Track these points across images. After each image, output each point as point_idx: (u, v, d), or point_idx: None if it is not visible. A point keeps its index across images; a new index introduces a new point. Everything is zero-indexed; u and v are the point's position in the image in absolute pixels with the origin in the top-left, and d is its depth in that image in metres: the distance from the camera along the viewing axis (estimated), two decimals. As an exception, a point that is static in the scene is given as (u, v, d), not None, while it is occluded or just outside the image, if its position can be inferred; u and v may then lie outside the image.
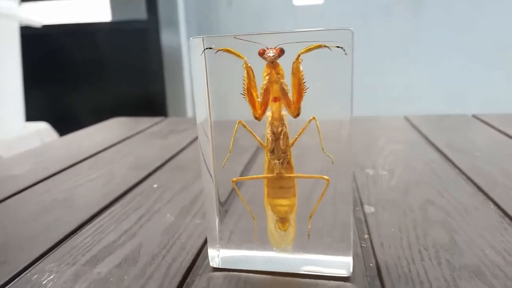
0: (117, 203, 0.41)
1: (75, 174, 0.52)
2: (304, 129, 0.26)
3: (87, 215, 0.38)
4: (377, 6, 1.56)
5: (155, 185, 0.46)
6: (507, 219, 0.34)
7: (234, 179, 0.28)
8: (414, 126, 0.71)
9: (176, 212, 0.38)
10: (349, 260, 0.27)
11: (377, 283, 0.26)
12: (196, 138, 0.68)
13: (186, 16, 1.73)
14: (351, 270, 0.27)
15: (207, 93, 0.28)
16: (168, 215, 0.38)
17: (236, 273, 0.28)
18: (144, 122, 0.85)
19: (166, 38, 1.68)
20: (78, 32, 1.73)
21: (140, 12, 1.69)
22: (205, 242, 0.32)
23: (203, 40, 0.27)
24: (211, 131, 0.29)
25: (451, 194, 0.40)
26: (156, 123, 0.83)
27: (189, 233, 0.34)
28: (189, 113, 1.73)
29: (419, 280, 0.26)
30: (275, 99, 0.26)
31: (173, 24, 1.72)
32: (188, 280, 0.28)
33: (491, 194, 0.39)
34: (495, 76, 1.51)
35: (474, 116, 0.77)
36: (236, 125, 0.27)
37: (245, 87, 0.26)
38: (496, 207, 0.37)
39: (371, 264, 0.28)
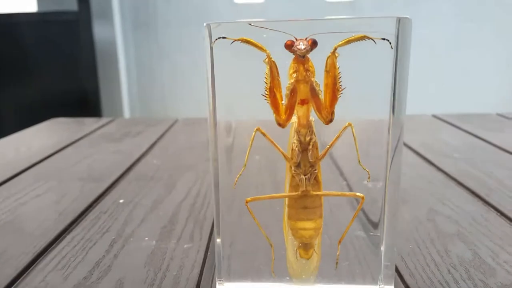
0: (78, 225, 0.34)
1: (17, 189, 0.43)
2: (337, 138, 0.22)
3: (42, 244, 0.31)
4: (319, 6, 1.56)
5: (121, 201, 0.39)
6: (517, 227, 0.32)
7: (249, 199, 0.23)
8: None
9: (155, 234, 0.32)
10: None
11: (418, 315, 0.23)
12: (157, 142, 0.61)
13: (120, 7, 1.62)
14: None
15: (211, 91, 0.22)
16: (146, 238, 0.31)
17: (251, 313, 0.23)
18: (89, 123, 0.76)
19: (99, 31, 1.56)
20: (0, 23, 1.55)
21: (70, 3, 1.55)
22: (201, 273, 0.27)
23: (208, 28, 0.21)
24: (215, 134, 0.23)
25: (451, 201, 0.38)
26: (104, 125, 0.74)
27: (179, 262, 0.28)
28: (126, 113, 1.62)
29: (464, 308, 0.23)
30: (303, 102, 0.21)
31: (107, 16, 1.60)
32: (192, 327, 0.22)
33: (490, 200, 0.38)
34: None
35: (435, 116, 0.77)
36: (254, 133, 0.22)
37: (267, 87, 0.21)
38: (499, 214, 0.35)
39: (402, 291, 0.25)
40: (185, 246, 0.30)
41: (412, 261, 0.28)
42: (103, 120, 0.78)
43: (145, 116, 1.65)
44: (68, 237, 0.32)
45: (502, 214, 0.35)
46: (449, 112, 0.81)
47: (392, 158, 0.22)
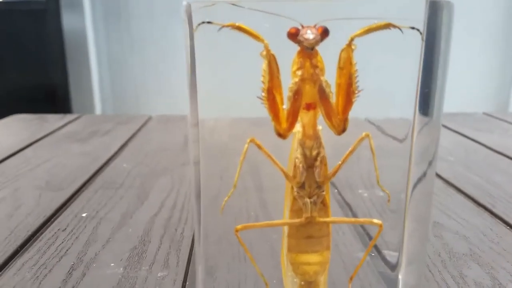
0: (31, 247, 0.29)
1: (-40, 200, 0.37)
2: (352, 152, 0.17)
3: (-17, 273, 0.26)
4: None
5: (83, 214, 0.34)
6: (532, 244, 0.29)
7: (239, 227, 0.18)
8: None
9: (123, 259, 0.27)
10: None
11: None
12: (128, 142, 0.56)
13: (91, -4, 1.54)
14: None
15: (192, 86, 0.18)
16: (112, 264, 0.26)
17: None
18: (53, 120, 0.69)
19: (68, 21, 1.47)
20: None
21: (37, -9, 1.46)
22: (178, 311, 0.22)
23: (188, 10, 0.16)
24: (197, 135, 0.19)
25: (456, 212, 0.34)
26: (70, 122, 0.68)
27: (151, 296, 0.23)
28: (97, 109, 1.55)
29: None
30: (309, 106, 0.17)
31: (76, 5, 1.52)
32: None
33: (496, 211, 0.34)
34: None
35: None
36: (246, 145, 0.17)
37: (265, 87, 0.16)
38: (509, 227, 0.32)
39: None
40: (159, 274, 0.25)
41: (425, 290, 0.24)
42: (69, 117, 0.71)
43: (118, 112, 1.57)
44: (18, 263, 0.27)
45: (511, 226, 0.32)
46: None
47: (425, 172, 0.18)
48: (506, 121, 0.69)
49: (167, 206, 0.35)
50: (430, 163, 0.18)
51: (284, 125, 0.17)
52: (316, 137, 0.17)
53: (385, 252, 0.20)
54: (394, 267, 0.20)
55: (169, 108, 0.99)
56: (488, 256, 0.28)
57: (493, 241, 0.30)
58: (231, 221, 0.21)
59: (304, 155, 0.17)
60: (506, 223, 0.32)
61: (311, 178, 0.17)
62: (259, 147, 0.17)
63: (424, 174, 0.18)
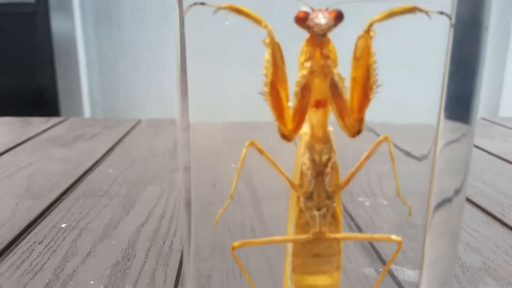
0: (3, 262, 0.26)
1: None
2: (368, 157, 0.15)
3: None
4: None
5: (63, 225, 0.31)
6: (550, 257, 0.27)
7: (236, 244, 0.16)
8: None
9: (104, 275, 0.24)
10: None
11: None
12: (115, 147, 0.53)
13: (81, -1, 1.51)
14: None
15: (182, 82, 0.15)
16: (91, 282, 0.24)
17: None
18: (37, 123, 0.66)
19: (57, 24, 1.45)
20: None
21: (26, -6, 1.43)
22: (165, 338, 0.20)
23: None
24: (187, 138, 0.16)
25: (465, 222, 0.32)
26: (54, 125, 0.65)
27: (135, 320, 0.21)
28: (86, 113, 1.51)
29: None
30: (319, 104, 0.14)
31: (66, 8, 1.49)
32: None
33: (507, 221, 0.32)
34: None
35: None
36: (245, 149, 0.15)
37: (268, 81, 0.14)
38: (523, 238, 0.30)
39: None
40: (144, 293, 0.23)
41: (441, 311, 0.22)
42: (54, 120, 0.68)
43: (107, 115, 1.53)
44: (-14, 280, 0.24)
45: (526, 238, 0.29)
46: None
47: (461, 185, 0.15)
48: (505, 126, 0.67)
49: (155, 216, 0.33)
50: (463, 181, 0.15)
51: (290, 125, 0.14)
52: (326, 140, 0.15)
53: (403, 271, 0.18)
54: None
55: (160, 112, 0.97)
56: (503, 271, 0.25)
57: (507, 253, 0.27)
58: (224, 233, 0.19)
59: (312, 160, 0.15)
60: (518, 234, 0.30)
61: (321, 187, 0.15)
62: (261, 151, 0.15)
63: (456, 191, 0.16)
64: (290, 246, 0.16)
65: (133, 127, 0.64)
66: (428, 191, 0.16)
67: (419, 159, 0.17)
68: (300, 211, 0.15)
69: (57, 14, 1.45)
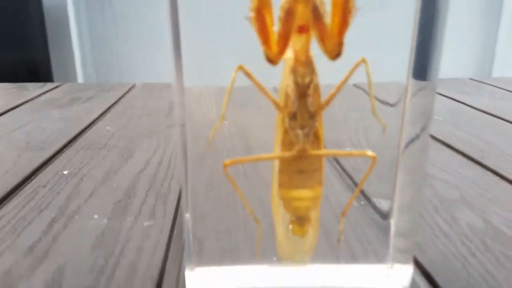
0: (10, 202, 0.27)
1: None
2: (347, 79, 0.16)
3: (-41, 226, 0.24)
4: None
5: (65, 172, 0.32)
6: (522, 192, 0.29)
7: (227, 161, 0.17)
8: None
9: (107, 210, 0.26)
10: (408, 270, 0.19)
11: (436, 299, 0.19)
12: (111, 108, 0.54)
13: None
14: (408, 285, 0.19)
15: (175, 42, 0.16)
16: (95, 216, 0.25)
17: (232, 307, 0.18)
18: (33, 88, 0.67)
19: (48, -4, 1.42)
20: None
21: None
22: (166, 257, 0.21)
23: None
24: (182, 96, 0.18)
25: (445, 165, 0.34)
26: (49, 90, 0.65)
27: (136, 243, 0.22)
28: (79, 78, 1.50)
29: (490, 286, 0.19)
30: (302, 29, 0.16)
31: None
32: (156, 330, 0.17)
33: (487, 164, 0.34)
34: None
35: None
36: (234, 72, 0.16)
37: (254, 6, 0.15)
38: (500, 178, 0.31)
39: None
40: (145, 224, 0.24)
41: (418, 233, 0.24)
42: (49, 85, 0.69)
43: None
44: (-4, 217, 0.25)
45: (503, 177, 0.31)
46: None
47: (422, 130, 0.17)
48: (492, 85, 0.69)
49: (153, 164, 0.34)
50: (425, 124, 0.17)
51: (275, 49, 0.16)
52: (308, 63, 0.16)
53: (379, 201, 0.20)
54: (386, 214, 0.19)
55: (153, 79, 0.97)
56: (479, 202, 0.27)
57: (483, 188, 0.29)
58: (218, 171, 0.20)
59: (296, 82, 0.16)
60: (496, 173, 0.32)
61: (303, 108, 0.16)
62: (248, 75, 0.16)
63: (419, 134, 0.18)
64: (276, 165, 0.18)
65: (128, 91, 0.65)
66: (399, 133, 0.18)
67: (392, 105, 0.19)
68: (285, 131, 0.17)
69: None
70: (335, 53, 0.16)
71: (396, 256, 0.19)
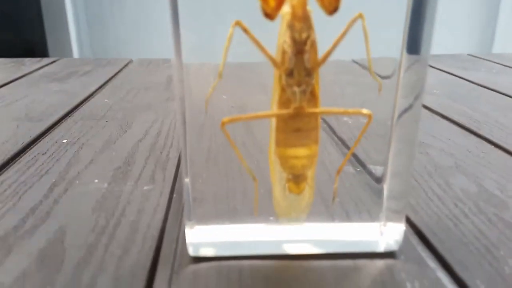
0: (10, 168, 0.28)
1: None
2: (344, 34, 0.16)
3: (-40, 190, 0.25)
4: None
5: (64, 140, 0.33)
6: (516, 159, 0.29)
7: (225, 119, 0.17)
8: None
9: (107, 176, 0.26)
10: (400, 228, 0.19)
11: (429, 254, 0.19)
12: (109, 82, 0.54)
13: None
14: (400, 240, 0.19)
15: (174, 16, 0.16)
16: (96, 181, 0.26)
17: (230, 262, 0.19)
18: (30, 63, 0.67)
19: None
20: None
21: None
22: (166, 218, 0.22)
23: None
24: (181, 69, 0.18)
25: (441, 134, 0.34)
26: (47, 64, 0.65)
27: (137, 206, 0.23)
28: (75, 55, 1.49)
29: (482, 244, 0.19)
30: (299, -16, 0.16)
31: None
32: (156, 283, 0.17)
33: (482, 133, 0.34)
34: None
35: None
36: (231, 29, 0.16)
37: (251, -40, 0.15)
38: (494, 146, 0.32)
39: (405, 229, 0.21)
40: (145, 188, 0.25)
41: (412, 196, 0.24)
42: (46, 60, 0.68)
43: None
44: (-3, 183, 0.26)
45: (498, 146, 0.32)
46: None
47: (414, 101, 0.17)
48: (490, 60, 0.69)
49: (152, 134, 0.34)
50: (417, 96, 0.18)
51: (272, 3, 0.16)
52: (306, 19, 0.16)
53: (372, 167, 0.20)
54: (379, 179, 0.20)
55: (151, 56, 0.96)
56: (473, 168, 0.28)
57: (478, 156, 0.30)
58: (217, 140, 0.20)
59: (293, 38, 0.16)
60: (491, 142, 0.33)
61: (300, 65, 0.17)
62: (245, 31, 0.16)
63: (412, 105, 0.18)
64: (273, 123, 0.18)
65: (125, 66, 0.65)
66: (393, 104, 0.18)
67: (387, 77, 0.19)
68: (282, 89, 0.17)
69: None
70: (332, 8, 0.16)
71: (389, 215, 0.19)
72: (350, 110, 0.18)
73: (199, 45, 0.18)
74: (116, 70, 0.61)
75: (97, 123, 0.37)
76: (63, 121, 0.38)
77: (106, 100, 0.45)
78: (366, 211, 0.21)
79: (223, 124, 0.17)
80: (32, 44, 1.42)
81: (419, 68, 0.18)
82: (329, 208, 0.20)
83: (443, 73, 0.60)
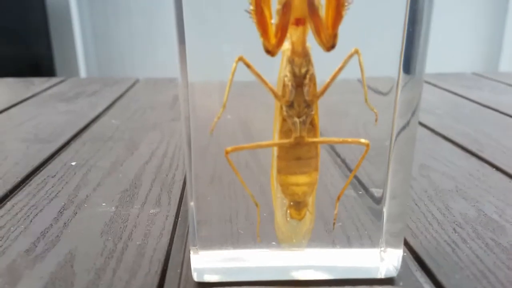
0: (21, 191, 0.29)
1: None
2: (341, 69, 0.17)
3: (-27, 213, 0.25)
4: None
5: (73, 163, 0.34)
6: (516, 182, 0.30)
7: (229, 148, 0.18)
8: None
9: (114, 199, 0.27)
10: (398, 253, 0.20)
11: (427, 279, 0.19)
12: (116, 102, 0.55)
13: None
14: (399, 266, 0.20)
15: (180, 39, 0.17)
16: (103, 204, 0.27)
17: (233, 287, 0.19)
18: (39, 82, 0.68)
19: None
20: None
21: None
22: (171, 241, 0.23)
23: None
24: (187, 90, 0.18)
25: (443, 156, 0.35)
26: (55, 84, 0.67)
27: (143, 230, 0.23)
28: (82, 74, 1.52)
29: (478, 269, 0.20)
30: (298, 22, 0.17)
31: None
32: (162, 307, 0.18)
33: (483, 156, 0.35)
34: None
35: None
36: (235, 64, 0.17)
37: (253, 0, 0.16)
38: (496, 169, 0.32)
39: (404, 254, 0.21)
40: (151, 211, 0.26)
41: (412, 220, 0.24)
42: (55, 80, 0.70)
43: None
44: (8, 205, 0.27)
45: (499, 169, 0.32)
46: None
47: (408, 121, 0.18)
48: (495, 79, 0.69)
49: (158, 156, 0.35)
50: (413, 114, 0.18)
51: (273, 40, 0.17)
52: (305, 54, 0.17)
53: (372, 189, 0.21)
54: (379, 201, 0.20)
55: (155, 74, 0.98)
56: (474, 192, 0.28)
57: (479, 179, 0.30)
58: (221, 161, 0.21)
59: (293, 73, 0.17)
60: (493, 165, 0.33)
61: (300, 97, 0.17)
62: (248, 66, 0.17)
63: (408, 123, 0.19)
64: (275, 152, 0.19)
65: (132, 85, 0.66)
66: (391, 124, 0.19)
67: (384, 94, 0.20)
68: (283, 119, 0.18)
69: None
70: (330, 44, 0.17)
71: (388, 239, 0.20)
72: (349, 139, 0.18)
73: (204, 64, 0.18)
74: (123, 90, 0.62)
75: (105, 144, 0.38)
76: (71, 142, 0.39)
77: (113, 120, 0.46)
78: (367, 236, 0.21)
79: (226, 152, 0.18)
80: (39, 58, 1.45)
81: (414, 87, 0.18)
82: (331, 233, 0.21)
83: (446, 92, 0.60)
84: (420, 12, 0.17)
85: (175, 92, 0.60)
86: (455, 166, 0.33)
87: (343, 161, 0.23)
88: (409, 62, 0.18)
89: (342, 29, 0.16)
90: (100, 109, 0.51)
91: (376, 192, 0.21)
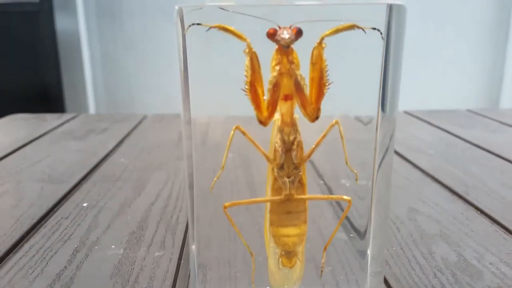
0: (37, 233, 0.31)
1: (-33, 192, 0.39)
2: (324, 137, 0.20)
3: (-6, 254, 0.28)
4: None
5: (84, 204, 0.36)
6: (498, 226, 0.32)
7: (227, 204, 0.20)
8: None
9: (122, 241, 0.30)
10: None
11: (407, 324, 0.21)
12: (124, 139, 0.58)
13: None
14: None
15: (184, 84, 0.20)
16: (113, 246, 0.29)
17: (230, 329, 0.21)
18: (51, 119, 0.71)
19: (61, 22, 1.49)
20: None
21: (30, -7, 1.47)
22: (174, 284, 0.25)
23: (180, 13, 0.19)
24: (189, 131, 0.21)
25: (430, 199, 0.37)
26: (67, 121, 0.70)
27: (149, 273, 0.26)
28: (91, 108, 1.56)
29: (454, 315, 0.22)
30: (287, 97, 0.19)
31: (69, 6, 1.53)
32: None
33: (469, 198, 0.37)
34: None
35: (406, 112, 0.78)
36: (232, 132, 0.20)
37: (248, 80, 0.19)
38: (479, 212, 0.34)
39: (389, 298, 0.23)
40: (156, 254, 0.28)
41: (396, 265, 0.27)
42: (66, 116, 0.73)
43: (112, 111, 1.58)
44: (26, 246, 0.29)
45: (482, 212, 0.34)
46: (418, 108, 0.82)
47: (382, 159, 0.20)
48: (488, 117, 0.72)
49: (163, 196, 0.38)
50: (386, 152, 0.20)
51: (265, 113, 0.19)
52: (293, 124, 0.20)
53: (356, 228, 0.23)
54: (362, 237, 0.22)
55: (164, 107, 1.01)
56: (456, 236, 0.30)
57: (462, 223, 0.32)
58: (220, 207, 0.23)
59: (282, 140, 0.20)
60: (477, 208, 0.35)
61: (289, 160, 0.20)
62: (244, 133, 0.20)
63: (381, 163, 0.21)
64: (268, 206, 0.21)
65: (140, 122, 0.69)
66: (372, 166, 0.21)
67: (365, 124, 0.22)
68: (275, 178, 0.20)
69: (61, 12, 1.49)
70: (314, 117, 0.19)
71: (372, 280, 0.22)
72: (333, 196, 0.21)
73: (207, 101, 0.21)
74: (131, 127, 0.65)
75: (114, 184, 0.41)
76: (83, 182, 0.41)
77: (122, 160, 0.49)
78: (354, 280, 0.23)
79: (225, 208, 0.21)
80: (48, 87, 1.49)
81: (385, 126, 0.20)
82: (320, 278, 0.23)
83: (439, 130, 0.63)
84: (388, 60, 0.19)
85: (180, 129, 0.63)
86: (441, 209, 0.35)
87: (338, 202, 0.26)
88: (383, 102, 0.20)
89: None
90: (110, 146, 0.54)
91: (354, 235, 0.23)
